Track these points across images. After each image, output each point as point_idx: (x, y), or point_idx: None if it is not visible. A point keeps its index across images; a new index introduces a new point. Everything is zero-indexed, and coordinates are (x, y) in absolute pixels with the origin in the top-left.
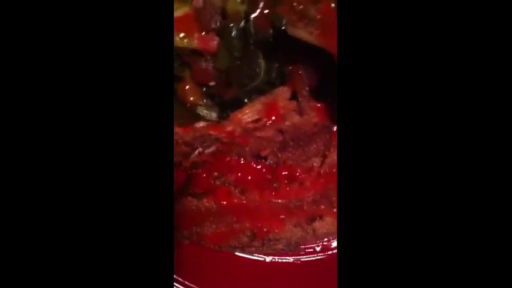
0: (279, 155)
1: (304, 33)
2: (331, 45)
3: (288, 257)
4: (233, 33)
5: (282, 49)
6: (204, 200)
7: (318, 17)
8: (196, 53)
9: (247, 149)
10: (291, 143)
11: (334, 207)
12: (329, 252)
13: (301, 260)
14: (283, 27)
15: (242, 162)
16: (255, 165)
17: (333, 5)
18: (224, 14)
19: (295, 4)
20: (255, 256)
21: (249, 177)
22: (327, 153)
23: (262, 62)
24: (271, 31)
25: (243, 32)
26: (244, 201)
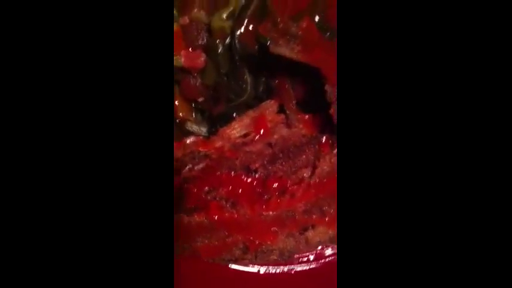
0: (269, 168)
1: (286, 51)
2: (314, 60)
3: (282, 267)
4: (219, 50)
5: (267, 64)
6: (196, 216)
7: (300, 33)
8: (184, 70)
9: (237, 162)
10: (281, 155)
11: (325, 216)
12: (323, 261)
13: (296, 269)
14: (268, 43)
15: (232, 175)
16: (245, 179)
17: (316, 19)
18: (210, 31)
19: (278, 21)
20: (249, 267)
21: (240, 191)
22: (316, 163)
23: (248, 77)
24: (256, 47)
25: (229, 48)
26: (236, 215)
